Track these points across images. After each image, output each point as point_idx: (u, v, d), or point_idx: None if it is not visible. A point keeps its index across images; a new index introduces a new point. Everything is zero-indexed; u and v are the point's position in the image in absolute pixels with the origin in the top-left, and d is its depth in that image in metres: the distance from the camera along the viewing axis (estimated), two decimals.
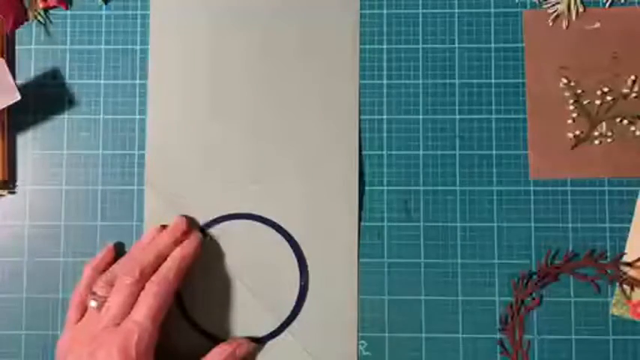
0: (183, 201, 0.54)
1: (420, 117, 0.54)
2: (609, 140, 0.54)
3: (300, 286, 0.54)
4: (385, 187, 0.54)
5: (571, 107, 0.54)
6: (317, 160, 0.54)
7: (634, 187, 0.54)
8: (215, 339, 0.53)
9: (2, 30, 0.55)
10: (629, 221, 0.53)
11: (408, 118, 0.55)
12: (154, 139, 0.55)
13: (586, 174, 0.54)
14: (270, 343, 0.53)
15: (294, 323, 0.53)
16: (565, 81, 0.54)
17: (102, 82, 0.55)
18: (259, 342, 0.53)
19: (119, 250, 0.54)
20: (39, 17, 0.55)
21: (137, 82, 0.55)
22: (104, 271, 0.51)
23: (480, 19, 0.55)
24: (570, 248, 0.53)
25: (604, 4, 0.54)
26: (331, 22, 0.55)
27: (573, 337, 0.53)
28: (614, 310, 0.53)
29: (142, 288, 0.49)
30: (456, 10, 0.55)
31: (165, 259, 0.51)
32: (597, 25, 0.54)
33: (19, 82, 0.55)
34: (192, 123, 0.55)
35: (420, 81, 0.55)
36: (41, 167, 0.55)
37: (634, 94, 0.54)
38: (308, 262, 0.54)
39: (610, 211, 0.53)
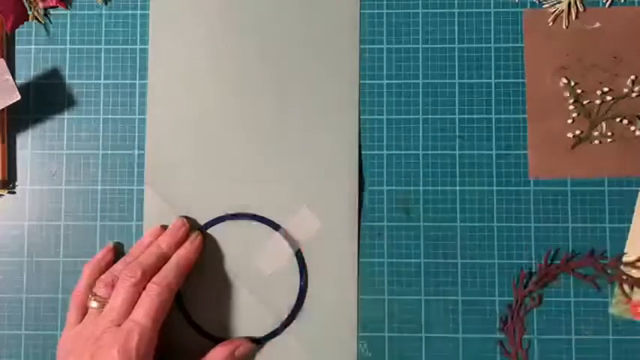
0: (183, 201, 0.54)
1: (420, 117, 0.54)
2: (609, 140, 0.54)
3: (300, 286, 0.54)
4: (385, 187, 0.54)
5: (571, 107, 0.54)
6: (317, 160, 0.54)
7: (634, 187, 0.54)
8: (215, 339, 0.53)
9: (2, 30, 0.55)
10: (629, 221, 0.53)
11: (408, 118, 0.55)
12: (153, 139, 0.55)
13: (586, 174, 0.54)
14: (269, 343, 0.53)
15: (294, 323, 0.53)
16: (565, 81, 0.54)
17: (102, 82, 0.55)
18: (259, 342, 0.53)
19: (119, 250, 0.54)
20: (39, 17, 0.55)
21: (137, 82, 0.55)
22: (104, 271, 0.51)
23: (479, 19, 0.55)
24: (570, 248, 0.53)
25: (604, 4, 0.54)
26: (331, 22, 0.55)
27: (573, 337, 0.53)
28: (614, 310, 0.53)
29: (143, 288, 0.49)
30: (456, 10, 0.55)
31: (167, 259, 0.51)
32: (597, 25, 0.54)
33: (19, 82, 0.55)
34: (192, 123, 0.55)
35: (420, 81, 0.55)
36: (41, 167, 0.55)
37: (634, 94, 0.54)
38: (307, 262, 0.54)
39: (610, 211, 0.53)
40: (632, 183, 0.54)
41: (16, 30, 0.55)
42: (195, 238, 0.53)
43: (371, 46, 0.55)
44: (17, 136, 0.55)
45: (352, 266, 0.54)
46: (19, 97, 0.51)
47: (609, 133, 0.54)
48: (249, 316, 0.54)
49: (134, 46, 0.55)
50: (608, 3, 0.54)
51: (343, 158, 0.54)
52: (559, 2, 0.54)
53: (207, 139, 0.54)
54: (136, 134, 0.55)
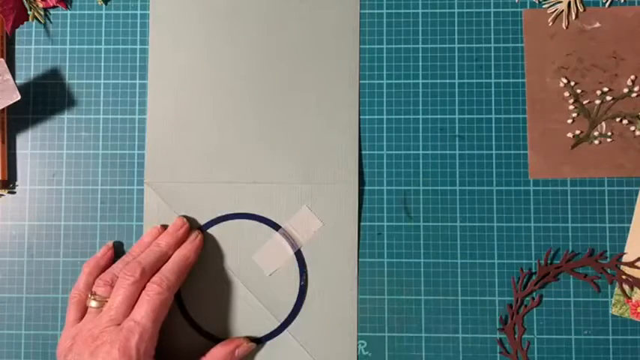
0: (183, 201, 0.54)
1: (420, 117, 0.55)
2: (609, 140, 0.54)
3: (300, 285, 0.54)
4: (385, 187, 0.54)
5: (571, 107, 0.54)
6: (316, 160, 0.54)
7: (634, 187, 0.54)
8: (215, 339, 0.53)
9: (2, 30, 0.55)
10: (629, 221, 0.53)
11: (408, 118, 0.55)
12: (153, 139, 0.55)
13: (586, 174, 0.54)
14: (269, 343, 0.53)
15: (294, 323, 0.53)
16: (565, 81, 0.54)
17: (102, 82, 0.55)
18: (259, 342, 0.53)
19: (118, 250, 0.54)
20: (39, 17, 0.55)
21: (137, 82, 0.55)
22: (103, 269, 0.51)
23: (479, 19, 0.55)
24: (570, 248, 0.53)
25: (604, 4, 0.54)
26: (331, 22, 0.55)
27: (573, 337, 0.53)
28: (614, 310, 0.53)
29: (143, 288, 0.49)
30: (456, 10, 0.55)
31: (166, 259, 0.51)
32: (597, 25, 0.54)
33: (19, 82, 0.55)
34: (192, 123, 0.55)
35: (420, 81, 0.55)
36: (41, 167, 0.55)
37: (634, 94, 0.54)
38: (307, 262, 0.54)
39: (610, 211, 0.53)
40: (632, 183, 0.54)
41: (16, 30, 0.55)
42: (195, 238, 0.53)
43: (371, 46, 0.55)
44: (17, 136, 0.55)
45: (352, 266, 0.54)
46: (19, 97, 0.51)
47: (609, 133, 0.54)
48: (249, 315, 0.54)
49: (134, 46, 0.55)
50: (608, 3, 0.54)
51: (343, 158, 0.54)
52: (559, 2, 0.54)
53: (207, 138, 0.54)
54: (136, 134, 0.55)
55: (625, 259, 0.53)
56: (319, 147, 0.54)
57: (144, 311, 0.48)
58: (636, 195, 0.54)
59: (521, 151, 0.54)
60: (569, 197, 0.54)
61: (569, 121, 0.54)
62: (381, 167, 0.54)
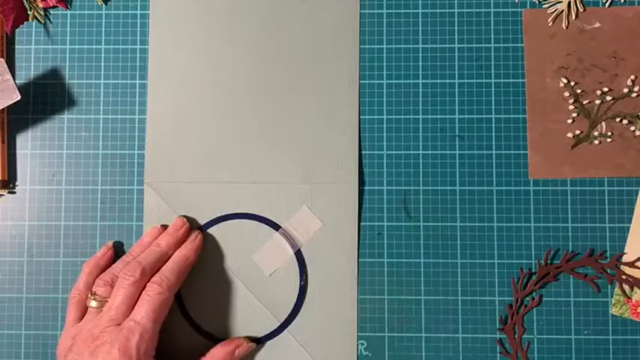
0: (183, 201, 0.54)
1: (420, 117, 0.55)
2: (609, 140, 0.54)
3: (300, 285, 0.54)
4: (385, 187, 0.54)
5: (571, 107, 0.54)
6: (316, 160, 0.54)
7: (634, 187, 0.54)
8: (215, 339, 0.53)
9: (2, 30, 0.55)
10: (629, 221, 0.53)
11: (408, 118, 0.55)
12: (153, 139, 0.55)
13: (586, 174, 0.54)
14: (269, 343, 0.53)
15: (294, 323, 0.53)
16: (565, 81, 0.54)
17: (102, 82, 0.55)
18: (259, 342, 0.53)
19: (118, 250, 0.54)
20: (39, 17, 0.55)
21: (137, 81, 0.55)
22: (103, 269, 0.51)
23: (479, 19, 0.55)
24: (570, 248, 0.54)
25: (604, 4, 0.54)
26: (331, 22, 0.55)
27: (573, 337, 0.53)
28: (614, 310, 0.53)
29: (143, 288, 0.49)
30: (456, 10, 0.55)
31: (167, 259, 0.51)
32: (597, 25, 0.54)
33: (19, 82, 0.55)
34: (192, 123, 0.55)
35: (420, 81, 0.55)
36: (41, 167, 0.55)
37: (634, 94, 0.54)
38: (307, 262, 0.54)
39: (610, 211, 0.53)
40: (632, 183, 0.54)
41: (16, 30, 0.55)
42: (195, 238, 0.53)
43: (371, 46, 0.55)
44: (17, 136, 0.55)
45: (352, 266, 0.54)
46: (19, 97, 0.51)
47: (609, 133, 0.54)
48: (249, 315, 0.54)
49: (134, 46, 0.55)
50: (608, 3, 0.54)
51: (343, 158, 0.54)
52: (559, 2, 0.54)
53: (207, 138, 0.54)
54: (136, 134, 0.55)
55: (625, 259, 0.53)
56: (319, 147, 0.54)
57: (144, 311, 0.48)
58: (636, 195, 0.54)
59: (521, 151, 0.54)
60: (569, 197, 0.54)
61: (569, 121, 0.54)
62: (381, 167, 0.54)
